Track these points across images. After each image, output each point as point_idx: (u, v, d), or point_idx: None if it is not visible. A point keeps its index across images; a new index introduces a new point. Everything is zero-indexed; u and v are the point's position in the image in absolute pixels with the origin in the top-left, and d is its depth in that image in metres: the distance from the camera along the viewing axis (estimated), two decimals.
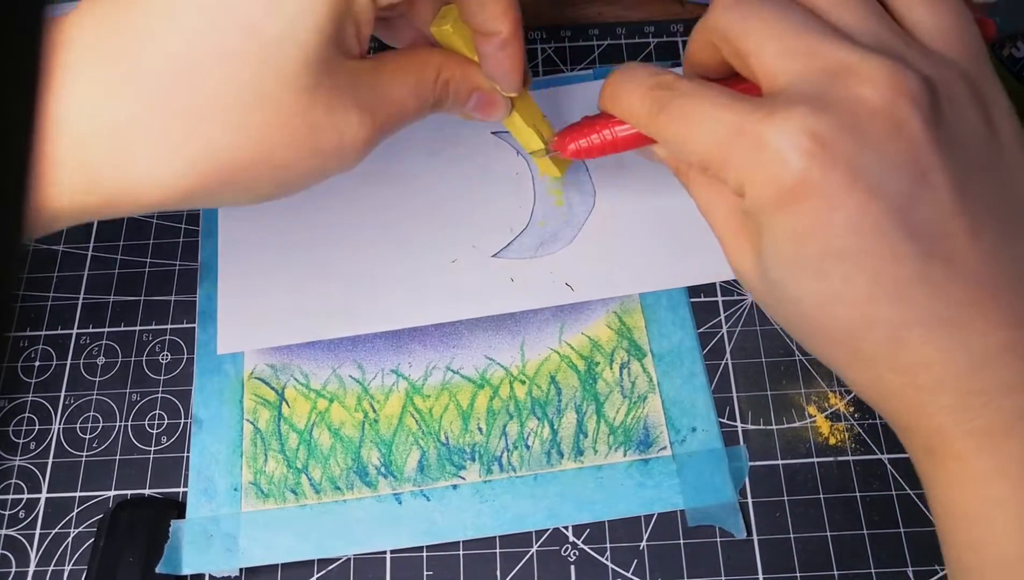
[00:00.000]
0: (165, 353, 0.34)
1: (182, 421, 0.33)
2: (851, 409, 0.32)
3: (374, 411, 0.32)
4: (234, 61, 0.21)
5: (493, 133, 0.36)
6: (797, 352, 0.33)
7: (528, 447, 0.31)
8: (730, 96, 0.22)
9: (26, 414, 0.33)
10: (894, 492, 0.31)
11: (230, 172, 0.22)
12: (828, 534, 0.30)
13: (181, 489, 0.32)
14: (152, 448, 0.33)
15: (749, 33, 0.23)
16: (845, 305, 0.22)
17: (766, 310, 0.25)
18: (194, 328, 0.34)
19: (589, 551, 0.30)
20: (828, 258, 0.21)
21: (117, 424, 0.33)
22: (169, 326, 0.34)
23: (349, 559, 0.31)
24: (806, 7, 0.23)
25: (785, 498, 0.31)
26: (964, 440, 0.21)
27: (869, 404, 0.23)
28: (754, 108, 0.22)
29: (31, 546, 0.31)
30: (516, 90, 0.28)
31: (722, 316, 0.34)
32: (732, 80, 0.25)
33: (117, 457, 0.33)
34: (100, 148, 0.22)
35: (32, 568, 0.31)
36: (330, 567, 0.31)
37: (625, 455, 0.31)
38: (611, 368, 0.32)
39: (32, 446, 0.33)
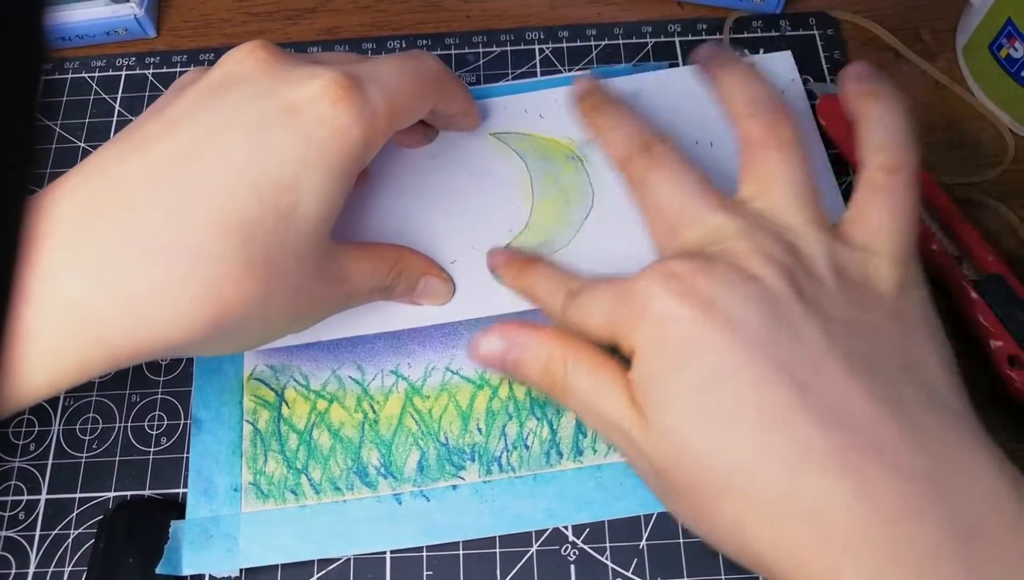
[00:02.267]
0: None
1: (182, 422, 0.33)
2: None
3: (374, 412, 0.32)
4: (254, 229, 0.24)
5: (492, 134, 0.36)
6: None
7: (527, 447, 0.32)
8: (614, 282, 0.26)
9: (25, 415, 0.33)
10: None
11: (231, 327, 0.24)
12: None
13: (181, 490, 0.32)
14: (152, 449, 0.33)
15: (642, 202, 0.28)
16: (734, 435, 0.21)
17: (670, 497, 0.24)
18: None
19: (589, 550, 0.30)
20: (709, 383, 0.22)
21: (117, 425, 0.33)
22: None
23: (349, 559, 0.31)
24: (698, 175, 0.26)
25: None
26: None
27: (758, 567, 0.22)
28: (634, 276, 0.25)
29: (31, 547, 0.31)
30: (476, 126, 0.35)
31: None
32: None
33: (117, 458, 0.33)
34: (112, 322, 0.23)
35: (32, 569, 0.31)
36: (330, 567, 0.31)
37: None
38: None
39: (32, 447, 0.33)
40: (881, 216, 0.24)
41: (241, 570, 0.30)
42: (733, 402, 0.21)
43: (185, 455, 0.32)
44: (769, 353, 0.21)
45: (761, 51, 0.38)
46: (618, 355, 0.25)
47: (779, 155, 0.25)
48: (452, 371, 0.33)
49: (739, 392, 0.21)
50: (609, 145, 0.29)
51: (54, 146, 0.38)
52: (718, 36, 0.40)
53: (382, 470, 0.31)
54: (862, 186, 0.25)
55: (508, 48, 0.40)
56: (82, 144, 0.38)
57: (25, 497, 0.32)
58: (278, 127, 0.24)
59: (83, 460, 0.33)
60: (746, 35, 0.40)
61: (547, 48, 0.40)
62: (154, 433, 0.33)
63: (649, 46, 0.39)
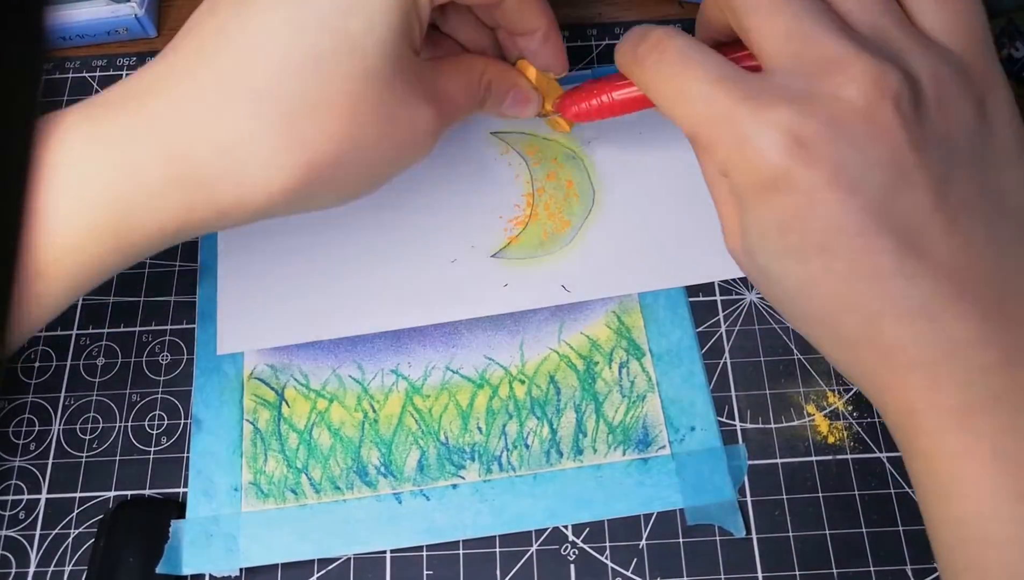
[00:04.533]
0: (165, 354, 0.34)
1: (182, 421, 0.33)
2: (849, 408, 0.32)
3: (374, 411, 0.32)
4: (327, 62, 0.23)
5: (493, 133, 0.36)
6: (796, 351, 0.33)
7: (527, 447, 0.32)
8: (724, 72, 0.23)
9: (26, 415, 0.33)
10: (892, 490, 0.31)
11: (329, 169, 0.23)
12: (827, 532, 0.30)
13: (181, 489, 0.32)
14: (152, 448, 0.33)
15: (752, 8, 0.23)
16: (825, 291, 0.22)
17: (754, 283, 0.25)
18: (194, 329, 0.34)
19: (589, 550, 0.30)
20: (808, 248, 0.22)
21: (117, 425, 0.33)
22: (169, 327, 0.34)
23: (349, 559, 0.31)
24: None
25: (784, 497, 0.31)
26: (935, 418, 0.22)
27: (847, 377, 0.24)
28: (744, 95, 0.22)
29: (31, 547, 0.31)
30: (566, 70, 0.31)
31: (720, 315, 0.34)
32: (739, 47, 0.25)
33: (117, 458, 0.33)
34: (210, 166, 0.23)
35: (32, 569, 0.31)
36: (330, 567, 0.31)
37: (624, 454, 0.31)
38: (610, 367, 0.33)
39: (32, 447, 0.33)
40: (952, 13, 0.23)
41: (241, 570, 0.30)
42: (831, 265, 0.22)
43: (185, 455, 0.32)
44: (882, 217, 0.22)
45: None
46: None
47: None
48: (452, 370, 0.33)
49: (840, 258, 0.22)
50: None
51: None
52: None
53: (382, 469, 0.31)
54: None
55: None
56: None
57: (25, 496, 0.32)
58: None
59: (83, 460, 0.33)
60: None
61: None
62: (154, 433, 0.33)
63: None
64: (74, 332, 0.35)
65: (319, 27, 0.23)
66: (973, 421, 0.21)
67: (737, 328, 0.34)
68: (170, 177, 0.22)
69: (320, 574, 0.31)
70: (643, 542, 0.30)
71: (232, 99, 0.23)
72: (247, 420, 0.32)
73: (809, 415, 0.32)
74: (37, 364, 0.34)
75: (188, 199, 0.23)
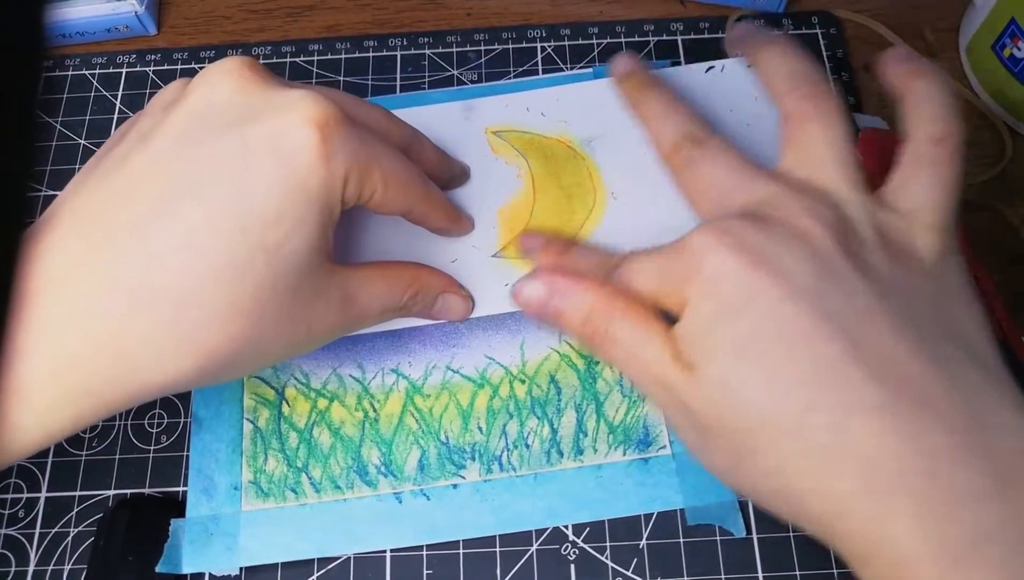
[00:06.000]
0: None
1: (182, 420, 0.33)
2: None
3: (374, 410, 0.32)
4: (239, 271, 0.23)
5: (493, 132, 0.36)
6: None
7: (528, 446, 0.31)
8: (660, 247, 0.26)
9: None
10: None
11: (223, 364, 0.24)
12: None
13: (181, 488, 0.32)
14: (152, 447, 0.33)
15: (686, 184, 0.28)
16: (786, 384, 0.21)
17: (708, 448, 0.24)
18: None
19: (589, 550, 0.30)
20: (761, 334, 0.22)
21: (117, 423, 0.33)
22: None
23: (349, 558, 0.31)
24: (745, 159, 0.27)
25: None
26: (929, 567, 0.19)
27: (824, 535, 0.22)
28: (679, 238, 0.25)
29: (31, 545, 0.31)
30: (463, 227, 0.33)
31: None
32: None
33: (117, 456, 0.33)
34: (101, 375, 0.23)
35: (32, 567, 0.31)
36: (330, 566, 0.31)
37: (625, 454, 0.31)
38: (611, 367, 0.32)
39: None
40: (926, 187, 0.25)
41: (241, 568, 0.30)
42: (784, 353, 0.22)
43: (185, 453, 0.32)
44: (820, 306, 0.22)
45: None
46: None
47: (820, 126, 0.26)
48: (453, 370, 0.33)
49: (790, 343, 0.22)
50: (657, 133, 0.29)
51: (55, 143, 0.38)
52: (720, 35, 0.40)
53: (382, 469, 0.31)
54: (908, 157, 0.26)
55: (510, 46, 0.40)
56: (83, 141, 0.38)
57: (25, 495, 0.32)
58: (261, 157, 0.23)
59: (83, 458, 0.33)
60: None
61: (549, 46, 0.40)
62: (154, 431, 0.33)
63: (651, 44, 0.39)
64: None
65: (237, 234, 0.23)
66: (970, 572, 0.19)
67: None
68: (60, 386, 0.22)
69: (320, 573, 0.31)
70: (643, 542, 0.30)
71: (138, 303, 0.22)
72: (247, 419, 0.32)
73: None
74: None
75: (76, 406, 0.23)
